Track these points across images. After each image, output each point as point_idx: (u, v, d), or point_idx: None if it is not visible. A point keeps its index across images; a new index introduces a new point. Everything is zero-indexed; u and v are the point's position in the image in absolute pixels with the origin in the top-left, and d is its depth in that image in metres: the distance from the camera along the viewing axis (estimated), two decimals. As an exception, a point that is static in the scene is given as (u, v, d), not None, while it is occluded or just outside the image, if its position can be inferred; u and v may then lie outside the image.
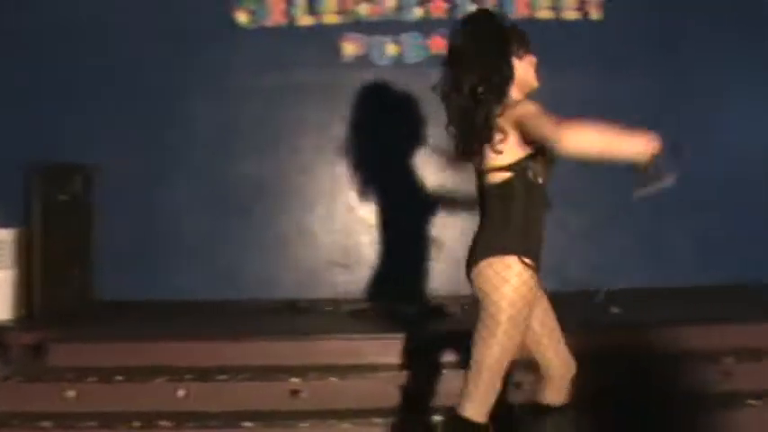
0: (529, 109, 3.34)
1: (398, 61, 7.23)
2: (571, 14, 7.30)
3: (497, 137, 3.39)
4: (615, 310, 6.29)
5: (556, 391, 3.80)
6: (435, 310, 6.40)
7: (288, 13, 7.19)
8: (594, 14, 7.31)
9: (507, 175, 3.44)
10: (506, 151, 3.40)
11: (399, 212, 7.10)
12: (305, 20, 7.21)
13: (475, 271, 3.44)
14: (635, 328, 5.71)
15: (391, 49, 7.23)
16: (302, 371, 5.32)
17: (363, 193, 7.08)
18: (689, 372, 5.27)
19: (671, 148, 3.15)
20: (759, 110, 7.44)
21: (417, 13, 7.24)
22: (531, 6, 7.25)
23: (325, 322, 6.30)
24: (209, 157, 7.20)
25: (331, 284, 7.16)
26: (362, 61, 7.23)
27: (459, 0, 7.21)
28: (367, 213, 7.20)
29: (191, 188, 7.19)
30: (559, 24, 7.23)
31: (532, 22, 7.20)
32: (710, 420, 5.01)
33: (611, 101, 6.86)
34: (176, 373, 5.31)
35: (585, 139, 3.13)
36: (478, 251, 3.46)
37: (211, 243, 7.18)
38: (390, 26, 7.26)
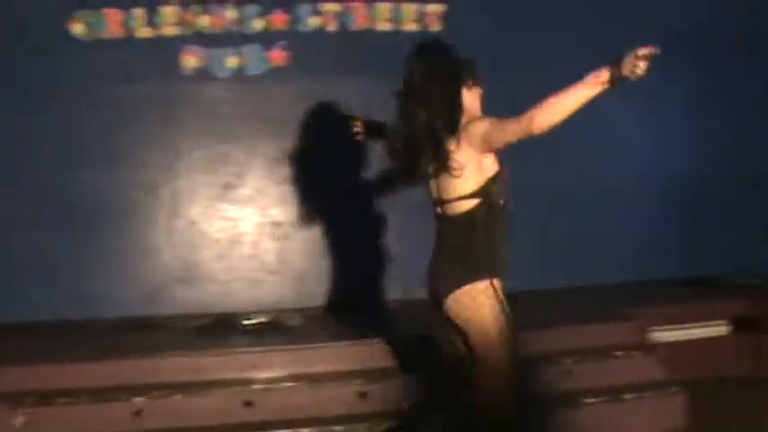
0: (484, 123, 3.50)
1: (239, 73, 7.15)
2: (411, 26, 7.40)
3: (455, 165, 3.51)
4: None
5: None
6: (277, 324, 6.36)
7: (126, 25, 7.00)
8: (435, 26, 7.43)
9: (473, 201, 3.58)
10: (469, 178, 3.54)
11: (244, 227, 7.14)
12: (143, 32, 7.03)
13: (450, 299, 3.61)
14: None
15: (232, 61, 7.15)
16: (145, 389, 5.20)
17: (206, 207, 7.04)
18: (530, 374, 5.40)
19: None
20: (595, 107, 7.71)
21: (258, 25, 7.18)
22: (371, 18, 7.31)
23: (169, 339, 6.16)
24: (48, 172, 6.92)
25: (174, 300, 7.01)
26: (203, 74, 7.12)
27: (300, 13, 7.21)
28: (209, 228, 7.10)
29: (30, 204, 6.89)
30: (399, 36, 7.30)
31: (372, 33, 7.30)
32: (551, 420, 5.17)
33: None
34: (15, 399, 5.10)
35: (551, 112, 3.28)
36: (450, 281, 3.60)
37: (52, 260, 6.88)
38: (231, 38, 7.17)
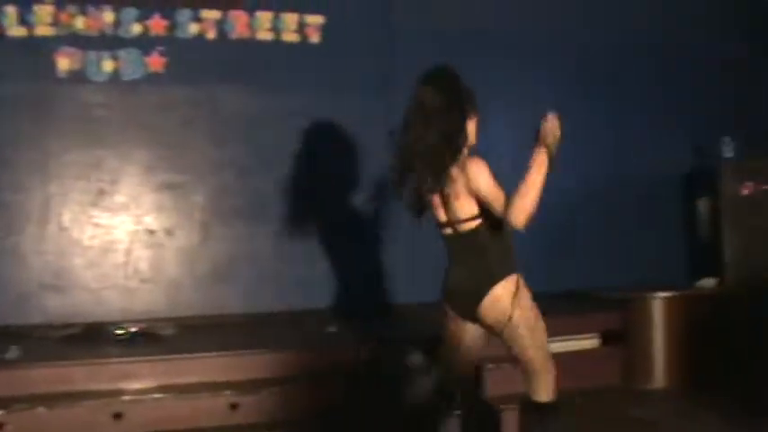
0: (484, 181, 3.83)
1: (115, 78, 7.01)
2: (291, 37, 7.40)
3: (454, 192, 3.86)
4: (332, 328, 6.43)
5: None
6: (149, 333, 6.27)
7: (-4, 23, 6.81)
8: (314, 38, 7.46)
9: (477, 222, 3.91)
10: (468, 202, 3.88)
11: (117, 234, 7.02)
12: (16, 30, 6.84)
13: (484, 307, 3.92)
14: (352, 345, 5.85)
15: (108, 65, 7.01)
16: (7, 402, 5.05)
17: (78, 213, 6.91)
18: (413, 388, 5.45)
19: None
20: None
21: (136, 29, 7.06)
22: (251, 27, 7.28)
23: (37, 349, 5.96)
24: None
25: (44, 309, 6.80)
26: (78, 76, 6.95)
27: (179, 19, 7.13)
28: (81, 235, 6.95)
29: None
30: (279, 46, 7.32)
31: (252, 43, 7.28)
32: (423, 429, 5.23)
33: (338, 118, 7.15)
34: None
35: (527, 207, 3.75)
36: (480, 291, 3.91)
37: None
38: (108, 41, 7.02)
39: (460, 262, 4.04)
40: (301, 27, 7.44)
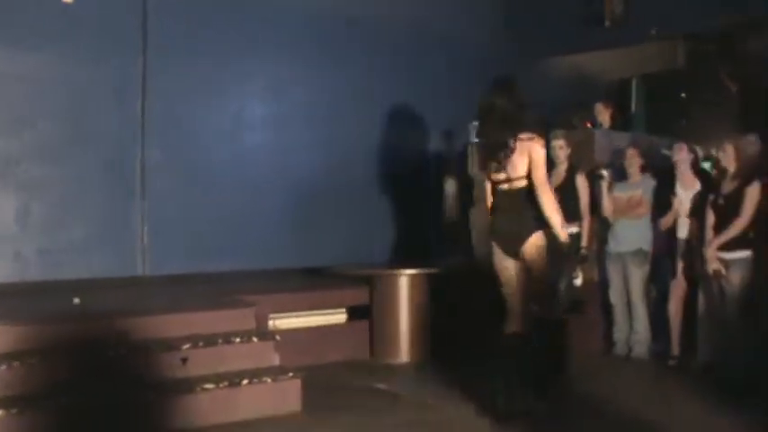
0: (540, 156, 5.35)
1: None
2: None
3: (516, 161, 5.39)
4: (76, 300, 6.13)
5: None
6: None
7: None
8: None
9: (525, 181, 5.37)
10: (521, 166, 5.36)
11: None
12: None
13: (528, 243, 5.36)
14: (96, 318, 5.60)
15: None
16: None
17: None
18: (148, 360, 5.32)
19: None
20: (226, 105, 7.80)
21: None
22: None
23: None
24: None
25: None
26: None
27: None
28: None
29: None
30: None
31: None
32: (170, 406, 5.10)
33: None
34: None
35: (549, 200, 5.32)
36: (525, 232, 5.37)
37: None
38: None
39: (510, 210, 5.48)
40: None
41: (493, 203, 5.66)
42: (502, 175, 5.45)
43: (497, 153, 5.40)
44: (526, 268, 5.43)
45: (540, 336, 5.49)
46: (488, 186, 5.69)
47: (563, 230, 5.40)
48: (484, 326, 7.33)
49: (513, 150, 5.33)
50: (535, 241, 5.38)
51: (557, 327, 5.83)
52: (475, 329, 7.28)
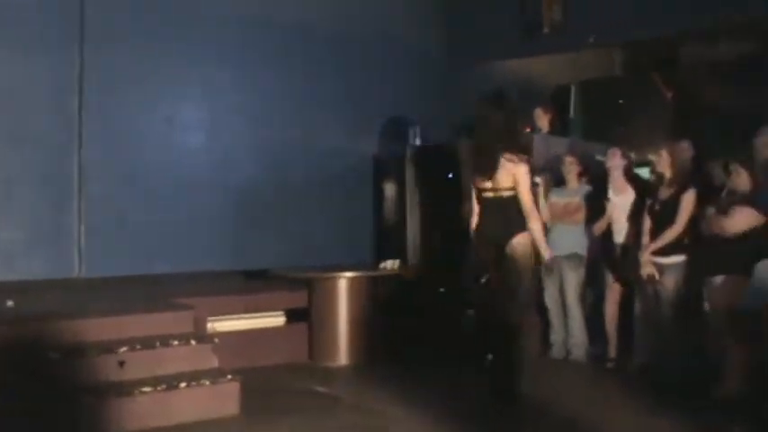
0: (525, 180, 5.84)
1: None
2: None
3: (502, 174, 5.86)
4: (10, 303, 6.02)
5: None
6: None
7: None
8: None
9: (512, 191, 5.81)
10: (506, 179, 5.82)
11: None
12: None
13: (513, 242, 5.78)
14: (30, 321, 5.51)
15: None
16: None
17: None
18: (85, 363, 5.26)
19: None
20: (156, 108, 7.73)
21: None
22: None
23: None
24: None
25: None
26: None
27: None
28: None
29: None
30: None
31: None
32: (107, 410, 5.05)
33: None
34: None
35: (537, 227, 5.87)
36: (509, 232, 5.80)
37: None
38: None
39: (497, 214, 5.90)
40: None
41: (480, 209, 6.04)
42: (488, 184, 5.91)
43: (486, 165, 5.87)
44: (506, 266, 5.83)
45: (497, 337, 5.84)
46: (474, 193, 6.06)
47: (547, 252, 5.98)
48: (423, 328, 7.45)
49: (497, 167, 5.81)
50: (520, 239, 5.81)
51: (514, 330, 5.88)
52: (414, 332, 7.34)
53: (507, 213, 5.85)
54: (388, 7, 9.38)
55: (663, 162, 6.48)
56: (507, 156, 5.78)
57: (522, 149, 6.03)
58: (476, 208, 6.07)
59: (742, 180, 5.95)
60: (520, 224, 5.81)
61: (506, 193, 5.85)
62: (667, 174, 6.45)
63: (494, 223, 5.92)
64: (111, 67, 7.31)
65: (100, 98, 7.26)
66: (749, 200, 5.80)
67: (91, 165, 7.21)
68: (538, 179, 7.27)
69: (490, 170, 5.84)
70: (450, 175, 8.08)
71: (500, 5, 9.85)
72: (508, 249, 5.80)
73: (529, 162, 5.99)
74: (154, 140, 7.67)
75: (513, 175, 5.79)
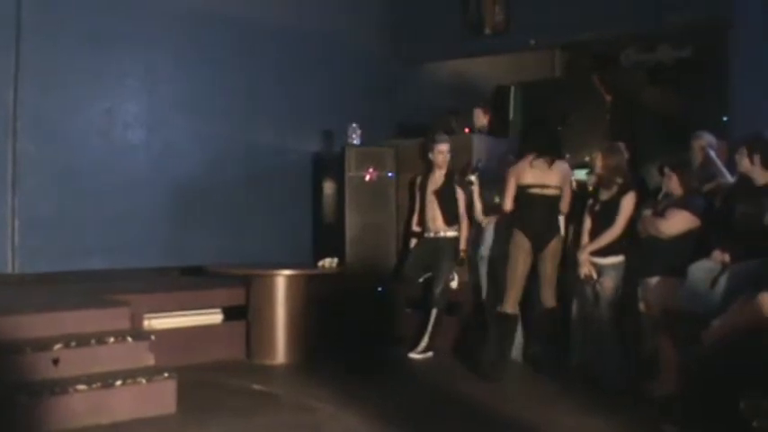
0: (571, 184, 6.90)
1: None
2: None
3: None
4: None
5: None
6: None
7: None
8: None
9: (557, 190, 6.70)
10: (557, 181, 6.73)
11: None
12: None
13: (553, 242, 6.62)
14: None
15: None
16: None
17: None
18: (18, 361, 5.16)
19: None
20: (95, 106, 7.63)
21: None
22: None
23: None
24: None
25: None
26: None
27: None
28: None
29: None
30: None
31: None
32: (41, 408, 4.97)
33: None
34: None
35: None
36: (552, 232, 6.66)
37: None
38: None
39: (540, 214, 6.61)
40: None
41: (521, 203, 6.64)
42: (537, 180, 6.58)
43: (539, 160, 6.56)
44: (542, 263, 6.64)
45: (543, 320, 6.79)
46: (512, 185, 6.65)
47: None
48: (361, 327, 7.46)
49: (550, 163, 6.56)
50: (558, 242, 6.68)
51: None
52: (352, 331, 7.35)
53: (552, 214, 6.73)
54: (332, 5, 9.38)
55: (598, 164, 6.56)
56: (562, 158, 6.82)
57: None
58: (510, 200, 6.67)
59: (673, 183, 6.07)
60: (558, 227, 6.82)
61: (553, 192, 6.63)
62: (602, 175, 6.53)
63: (539, 223, 6.62)
64: (48, 60, 7.21)
65: (35, 91, 7.15)
66: (684, 203, 5.91)
67: (25, 159, 7.09)
68: (473, 177, 7.32)
69: (541, 163, 6.56)
70: (390, 175, 8.12)
71: (443, 6, 9.90)
72: (547, 251, 6.63)
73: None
74: (91, 135, 7.60)
75: (562, 176, 6.68)
